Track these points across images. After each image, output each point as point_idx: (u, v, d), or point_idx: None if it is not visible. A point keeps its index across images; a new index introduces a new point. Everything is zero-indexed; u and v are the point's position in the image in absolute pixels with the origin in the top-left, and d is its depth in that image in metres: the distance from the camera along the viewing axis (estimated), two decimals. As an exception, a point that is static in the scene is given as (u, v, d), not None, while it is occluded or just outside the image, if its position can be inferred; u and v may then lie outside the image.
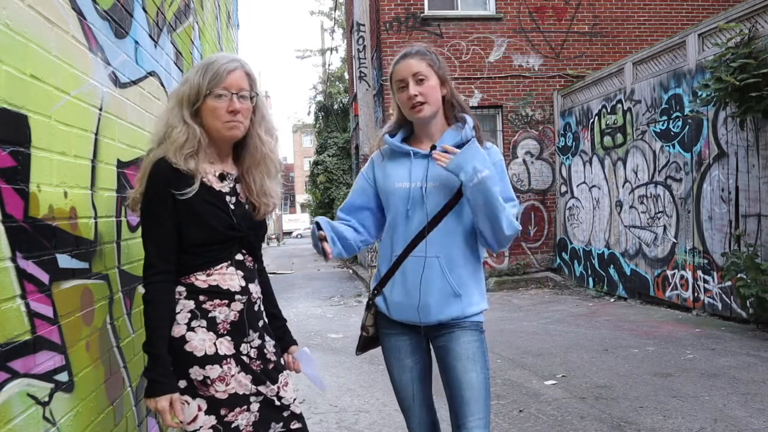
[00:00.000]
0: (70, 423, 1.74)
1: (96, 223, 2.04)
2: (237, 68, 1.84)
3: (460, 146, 2.02)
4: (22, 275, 1.53)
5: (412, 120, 2.09)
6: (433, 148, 2.05)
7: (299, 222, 56.65)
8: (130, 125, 2.45)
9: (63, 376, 1.73)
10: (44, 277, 1.65)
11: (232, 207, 1.88)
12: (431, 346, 2.14)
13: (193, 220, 1.80)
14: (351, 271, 15.19)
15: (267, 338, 1.96)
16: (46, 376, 1.63)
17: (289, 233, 53.23)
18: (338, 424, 3.91)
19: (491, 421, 2.07)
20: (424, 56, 2.06)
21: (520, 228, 2.07)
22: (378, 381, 4.83)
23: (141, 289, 2.46)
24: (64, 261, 1.77)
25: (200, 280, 1.83)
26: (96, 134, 2.07)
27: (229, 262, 1.86)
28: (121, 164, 2.32)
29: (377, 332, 2.19)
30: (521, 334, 6.47)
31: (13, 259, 1.49)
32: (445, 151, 1.97)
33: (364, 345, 2.24)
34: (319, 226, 2.03)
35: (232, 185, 1.91)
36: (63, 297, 1.75)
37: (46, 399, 1.62)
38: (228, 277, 1.85)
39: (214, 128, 1.85)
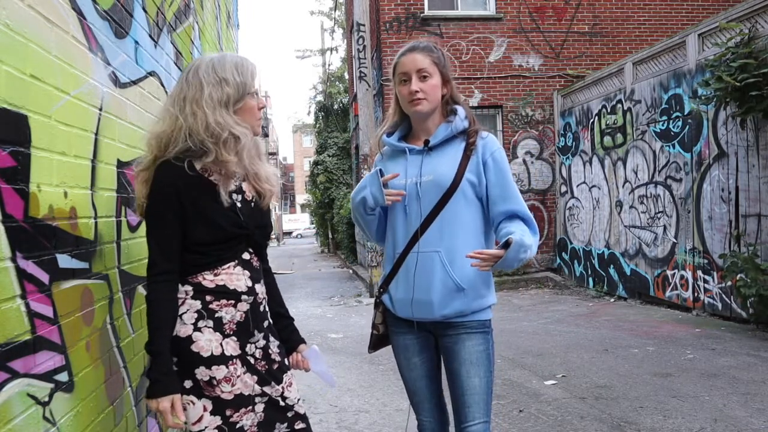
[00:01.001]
0: (70, 423, 1.74)
1: (96, 223, 2.04)
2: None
3: (449, 139, 2.05)
4: (22, 275, 1.53)
5: (410, 114, 2.09)
6: (427, 143, 2.06)
7: (299, 222, 56.70)
8: (130, 125, 2.45)
9: (63, 376, 1.73)
10: (44, 277, 1.65)
11: (239, 205, 1.88)
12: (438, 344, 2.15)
13: (200, 219, 1.80)
14: (351, 271, 15.19)
15: (271, 338, 1.96)
16: (46, 376, 1.63)
17: (289, 233, 53.25)
18: (338, 424, 3.91)
19: (491, 421, 2.07)
20: (430, 53, 2.06)
21: (538, 232, 2.05)
22: (378, 381, 4.83)
23: (141, 289, 2.47)
24: (64, 261, 1.77)
25: (207, 279, 1.83)
26: (96, 134, 2.07)
27: (236, 261, 1.86)
28: (121, 164, 2.32)
29: (387, 330, 2.20)
30: (521, 334, 6.46)
31: (13, 259, 1.49)
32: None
33: (376, 343, 2.24)
34: (381, 173, 2.04)
35: (238, 183, 1.91)
36: (63, 297, 1.75)
37: (46, 399, 1.62)
38: (235, 277, 1.85)
39: (249, 126, 1.87)
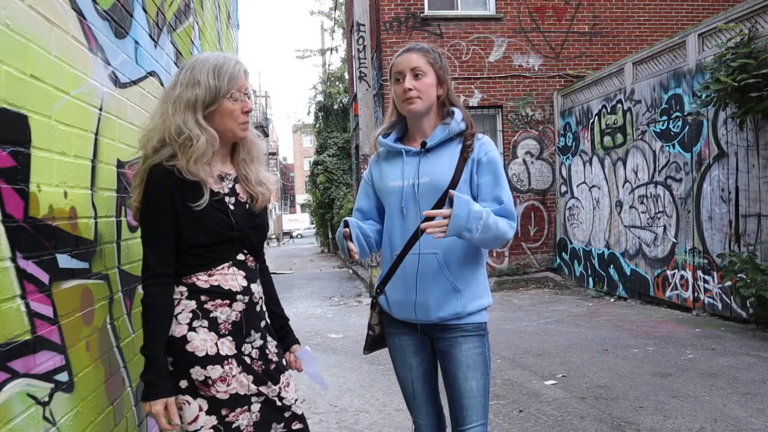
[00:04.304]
0: (70, 423, 1.75)
1: (96, 223, 2.04)
2: (244, 68, 1.88)
3: (446, 141, 2.05)
4: (22, 275, 1.53)
5: (404, 113, 2.09)
6: (423, 145, 2.05)
7: (299, 222, 56.64)
8: (130, 125, 2.45)
9: (63, 376, 1.73)
10: (44, 277, 1.65)
11: (231, 208, 1.88)
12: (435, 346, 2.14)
13: (193, 222, 1.80)
14: (351, 271, 15.18)
15: (269, 338, 1.96)
16: (46, 376, 1.63)
17: (289, 233, 53.21)
18: (338, 424, 3.91)
19: (491, 421, 2.08)
20: (426, 53, 2.07)
21: (514, 222, 2.01)
22: (378, 381, 4.83)
23: (141, 289, 2.47)
24: (64, 261, 1.77)
25: (202, 280, 1.83)
26: (96, 134, 2.07)
27: (231, 262, 1.87)
28: (121, 164, 2.32)
29: (383, 331, 2.20)
30: (521, 334, 6.47)
31: (13, 259, 1.49)
32: (432, 219, 1.88)
33: (371, 345, 2.23)
34: (346, 224, 2.02)
35: (231, 186, 1.91)
36: (63, 297, 1.75)
37: (46, 399, 1.62)
38: (229, 278, 1.85)
39: (228, 130, 1.86)
